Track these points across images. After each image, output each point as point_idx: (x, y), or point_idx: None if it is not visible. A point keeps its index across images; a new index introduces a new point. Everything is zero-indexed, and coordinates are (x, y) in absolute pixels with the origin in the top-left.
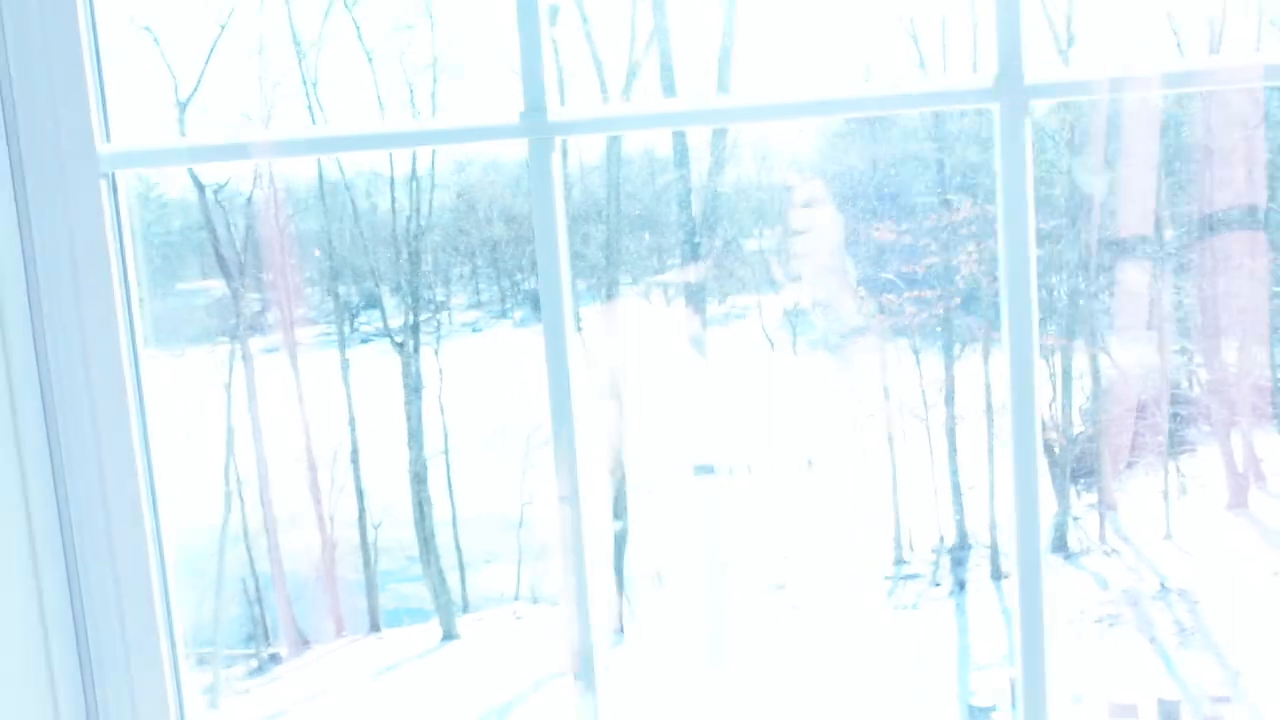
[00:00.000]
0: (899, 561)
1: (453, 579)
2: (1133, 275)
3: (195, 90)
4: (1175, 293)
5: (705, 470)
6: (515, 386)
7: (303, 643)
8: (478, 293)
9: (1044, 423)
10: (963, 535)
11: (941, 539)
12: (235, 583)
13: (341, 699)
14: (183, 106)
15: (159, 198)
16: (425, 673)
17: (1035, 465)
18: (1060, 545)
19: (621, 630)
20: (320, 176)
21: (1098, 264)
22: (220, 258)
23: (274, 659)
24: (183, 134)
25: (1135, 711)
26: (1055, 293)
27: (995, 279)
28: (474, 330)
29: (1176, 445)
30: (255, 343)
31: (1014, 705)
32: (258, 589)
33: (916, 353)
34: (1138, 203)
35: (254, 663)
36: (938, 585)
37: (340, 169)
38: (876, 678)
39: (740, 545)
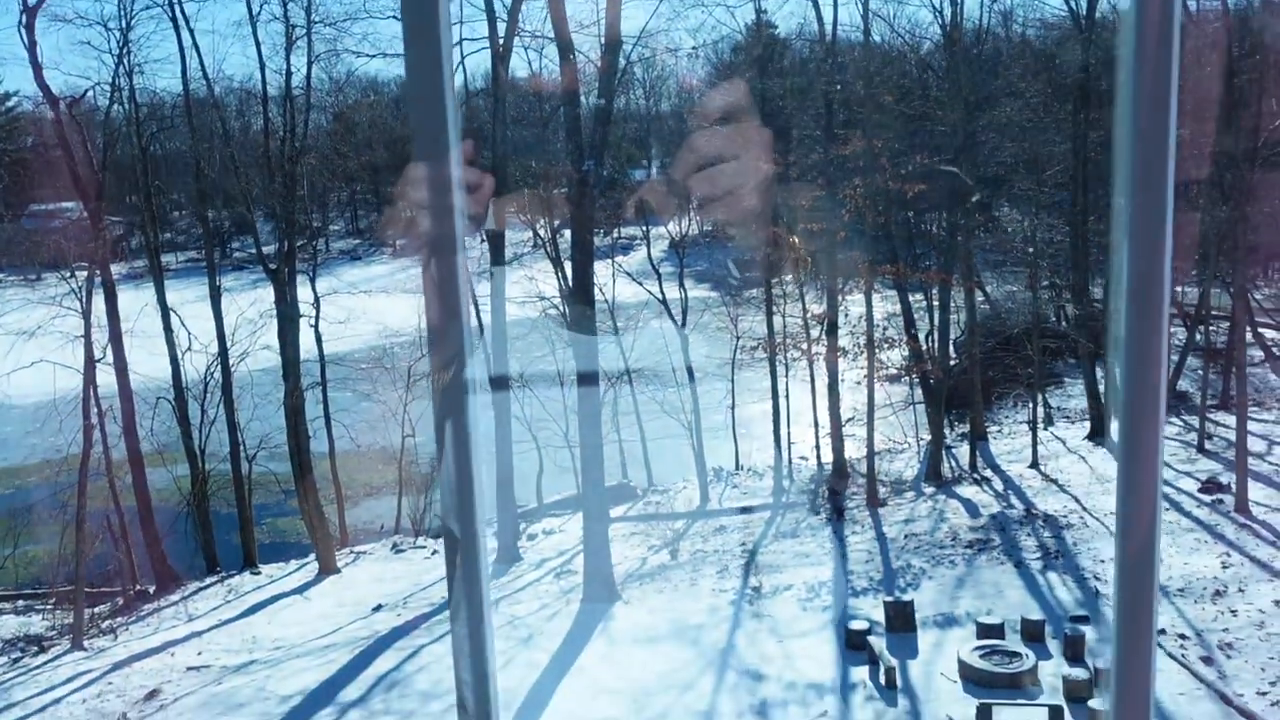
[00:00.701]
0: (778, 491)
1: (330, 512)
2: (1007, 211)
3: None
4: (1048, 230)
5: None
6: (395, 316)
7: (173, 580)
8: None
9: (921, 355)
10: (840, 465)
11: (821, 467)
12: (98, 519)
13: (216, 638)
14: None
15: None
16: (302, 609)
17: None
18: (933, 475)
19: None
20: (186, 92)
21: (977, 201)
22: (76, 178)
23: (142, 596)
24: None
25: (1001, 631)
26: (935, 228)
27: (879, 214)
28: (352, 260)
29: (1045, 377)
30: (117, 269)
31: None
32: (123, 525)
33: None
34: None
35: (120, 601)
36: (817, 514)
37: (209, 85)
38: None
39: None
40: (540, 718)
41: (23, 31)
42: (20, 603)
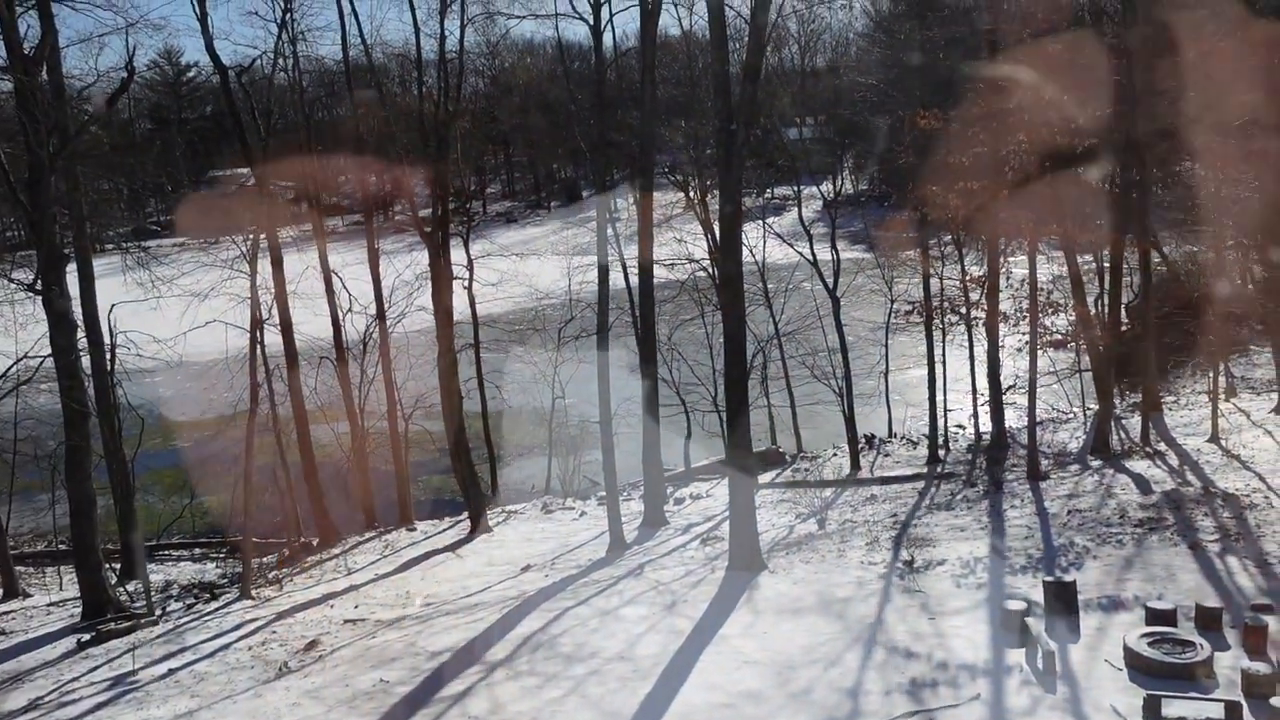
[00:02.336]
0: (933, 460)
1: (484, 471)
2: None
3: None
4: (1234, 186)
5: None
6: (546, 279)
7: (334, 534)
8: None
9: (1089, 320)
10: (999, 434)
11: (979, 436)
12: (266, 473)
13: (372, 592)
14: None
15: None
16: (454, 566)
17: None
18: (1101, 447)
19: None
20: (346, 59)
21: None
22: (245, 145)
23: (305, 549)
24: None
25: (1173, 618)
26: (1108, 185)
27: (1046, 169)
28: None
29: (1229, 345)
30: (286, 233)
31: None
32: (288, 480)
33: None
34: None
35: (285, 552)
36: (973, 486)
37: (368, 51)
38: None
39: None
40: (682, 688)
41: (194, 4)
42: (196, 551)
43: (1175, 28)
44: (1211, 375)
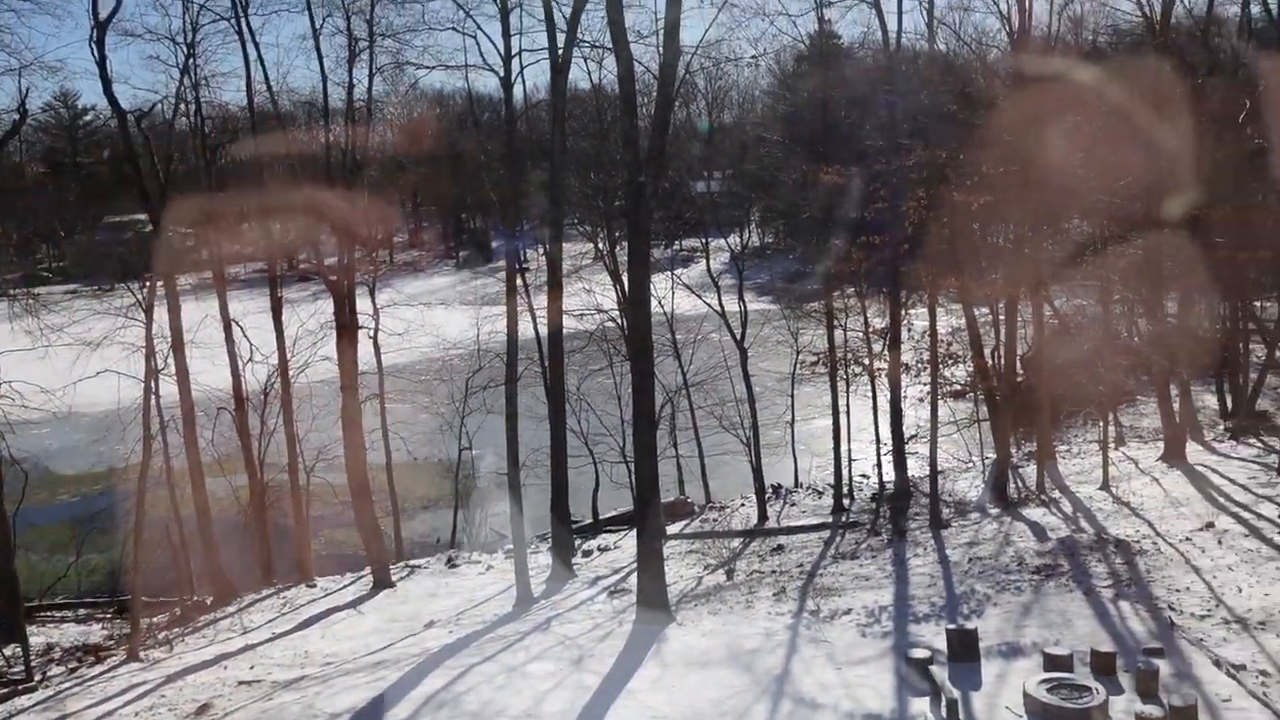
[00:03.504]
0: (838, 510)
1: (387, 524)
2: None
3: None
4: (1120, 242)
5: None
6: (454, 329)
7: (230, 591)
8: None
9: (986, 371)
10: (902, 484)
11: (882, 486)
12: (158, 529)
13: (269, 651)
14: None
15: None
16: (355, 623)
17: None
18: (999, 495)
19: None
20: (251, 105)
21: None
22: (143, 191)
23: (199, 608)
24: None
25: (1070, 664)
26: (1002, 240)
27: (944, 226)
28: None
29: (1117, 396)
30: (186, 280)
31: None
32: (181, 536)
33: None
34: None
35: (177, 611)
36: (877, 534)
37: (273, 98)
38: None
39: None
40: None
41: (93, 46)
42: (81, 611)
43: (1063, 93)
44: (1101, 425)
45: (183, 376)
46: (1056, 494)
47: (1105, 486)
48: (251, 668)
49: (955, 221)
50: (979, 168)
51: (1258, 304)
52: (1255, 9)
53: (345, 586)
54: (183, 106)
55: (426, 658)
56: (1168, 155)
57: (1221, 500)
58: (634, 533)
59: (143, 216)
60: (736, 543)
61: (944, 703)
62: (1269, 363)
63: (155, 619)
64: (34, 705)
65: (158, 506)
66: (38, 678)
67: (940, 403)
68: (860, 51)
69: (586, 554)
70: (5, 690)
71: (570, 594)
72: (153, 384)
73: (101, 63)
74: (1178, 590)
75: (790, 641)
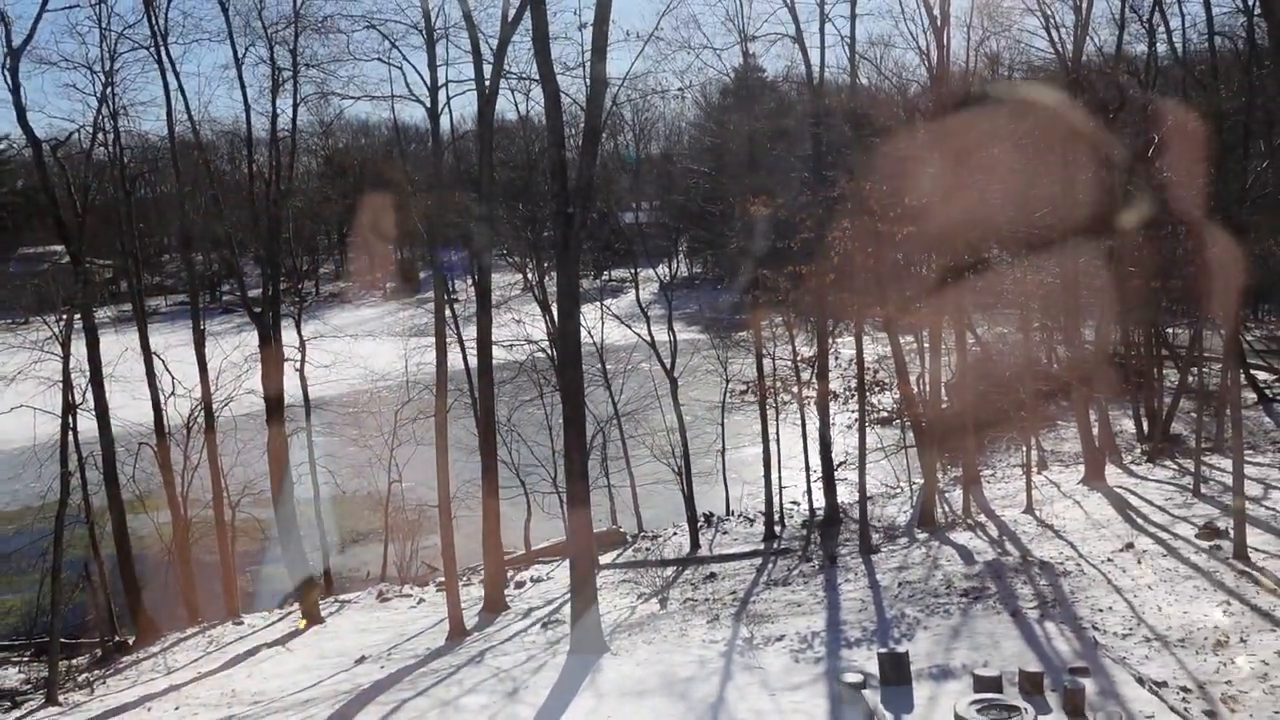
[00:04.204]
0: (769, 537)
1: (316, 559)
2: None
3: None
4: (1037, 272)
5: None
6: (382, 360)
7: (153, 630)
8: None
9: (912, 398)
10: (832, 510)
11: (813, 512)
12: (77, 568)
13: (195, 691)
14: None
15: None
16: (284, 661)
17: None
18: (927, 520)
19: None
20: (171, 135)
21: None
22: (59, 222)
23: (121, 649)
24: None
25: (999, 684)
26: (925, 269)
27: (868, 256)
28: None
29: (1038, 421)
30: (104, 313)
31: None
32: (102, 575)
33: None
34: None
35: (98, 652)
36: (809, 561)
37: (195, 128)
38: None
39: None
40: None
41: (6, 75)
42: None
43: (980, 126)
44: (1024, 449)
45: (102, 411)
46: (982, 518)
47: (1029, 510)
48: (176, 709)
49: (880, 251)
50: (902, 199)
51: (1170, 330)
52: (1161, 47)
53: (273, 623)
54: (101, 135)
55: (357, 694)
56: (1081, 187)
57: (1140, 521)
58: (566, 563)
59: (59, 248)
60: (669, 571)
61: None
62: (1181, 387)
63: (75, 661)
64: None
65: (76, 545)
66: None
67: (868, 429)
68: (784, 85)
69: (519, 585)
70: None
71: (503, 625)
72: (70, 419)
73: (15, 90)
74: (1101, 610)
75: (725, 669)
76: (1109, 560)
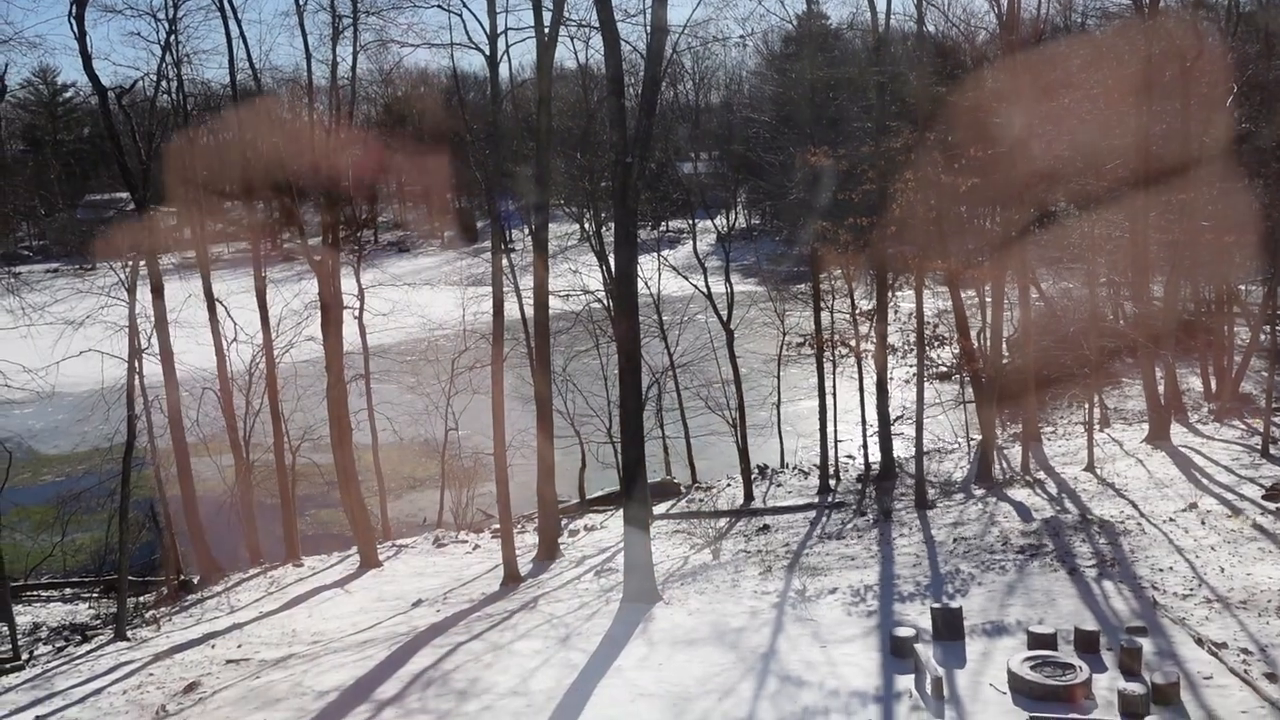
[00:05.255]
0: (824, 490)
1: (374, 505)
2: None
3: None
4: (1107, 226)
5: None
6: (440, 309)
7: (217, 570)
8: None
9: (972, 353)
10: (888, 464)
11: (868, 467)
12: (141, 509)
13: (257, 630)
14: None
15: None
16: (342, 603)
17: None
18: (984, 476)
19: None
20: (234, 82)
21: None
22: (124, 169)
23: (186, 587)
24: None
25: (1054, 642)
26: (989, 223)
27: (931, 208)
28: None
29: (1102, 378)
30: (169, 259)
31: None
32: (167, 516)
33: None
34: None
35: (164, 590)
36: (863, 515)
37: (256, 76)
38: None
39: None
40: None
41: (73, 22)
42: (67, 590)
43: (1051, 75)
44: (1087, 406)
45: (167, 357)
46: (1041, 475)
47: (1090, 468)
48: (239, 646)
49: (943, 204)
50: (967, 150)
51: (1242, 287)
52: None
53: (332, 566)
54: (164, 84)
55: (414, 636)
56: (1155, 138)
57: (1205, 481)
58: (620, 513)
59: (124, 195)
60: (723, 523)
61: (928, 680)
62: (1253, 345)
63: (142, 598)
64: (22, 684)
65: (143, 487)
66: (25, 656)
67: (926, 384)
68: (848, 33)
69: (573, 534)
70: None
71: (557, 573)
72: (136, 364)
73: (81, 38)
74: (1161, 570)
75: (776, 620)
76: (1171, 520)
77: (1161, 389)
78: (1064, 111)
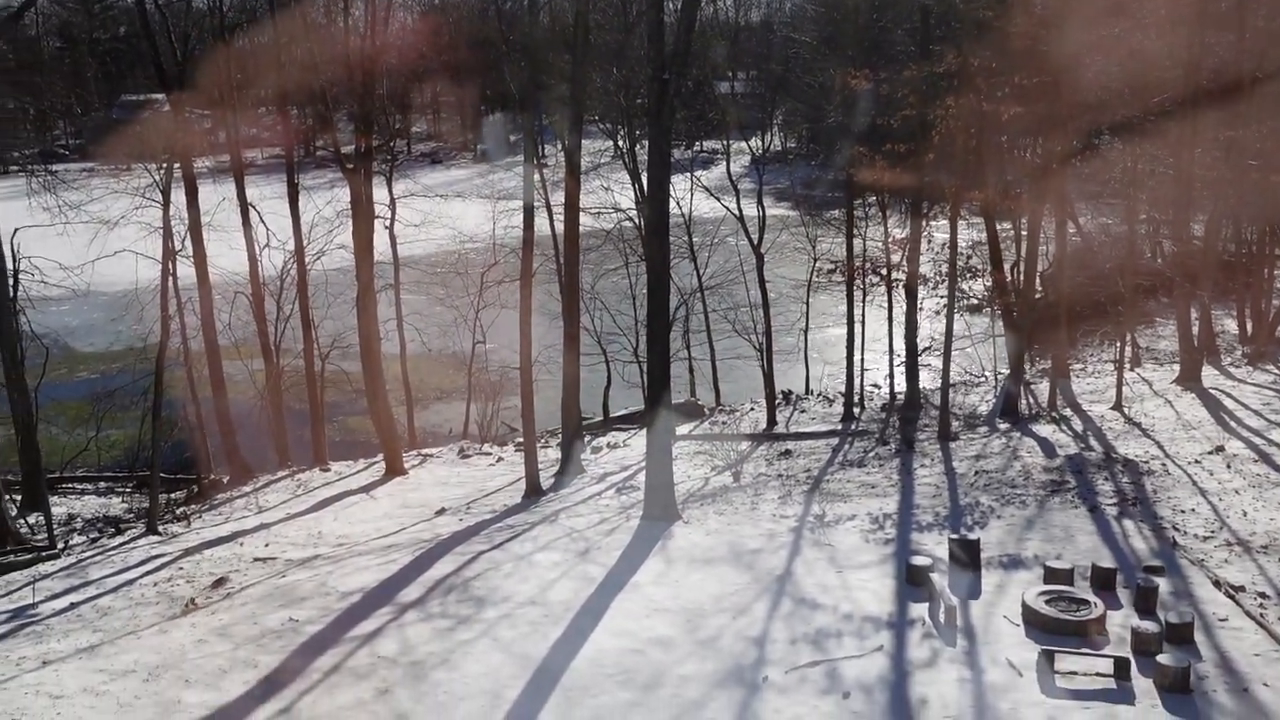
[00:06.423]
0: (847, 418)
1: (400, 414)
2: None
3: None
4: (1150, 161)
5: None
6: (470, 222)
7: (245, 471)
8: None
9: (1005, 286)
10: (913, 395)
11: (893, 396)
12: (176, 408)
13: (283, 531)
14: None
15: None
16: (368, 508)
17: None
18: (1010, 410)
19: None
20: None
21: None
22: (160, 69)
23: (215, 486)
24: None
25: (1070, 577)
26: (1029, 154)
27: (971, 136)
28: (432, 163)
29: (1136, 316)
30: (202, 163)
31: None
32: (199, 416)
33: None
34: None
35: (195, 488)
36: (885, 444)
37: None
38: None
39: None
40: (593, 632)
41: None
42: (101, 484)
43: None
44: (1118, 345)
45: (200, 259)
46: (1068, 412)
47: (1118, 406)
48: (266, 545)
49: (983, 132)
50: (1011, 77)
51: None
52: None
53: (358, 472)
54: None
55: (436, 543)
56: (1208, 72)
57: (1233, 425)
58: (643, 432)
59: (160, 95)
60: (744, 446)
61: (942, 609)
62: None
63: (173, 495)
64: (58, 571)
65: (175, 387)
66: (60, 545)
67: (956, 316)
68: None
69: (595, 450)
70: (30, 555)
71: (578, 489)
72: (170, 265)
73: None
74: (1183, 511)
75: (793, 544)
76: (1196, 462)
77: (1196, 330)
78: (1111, 41)
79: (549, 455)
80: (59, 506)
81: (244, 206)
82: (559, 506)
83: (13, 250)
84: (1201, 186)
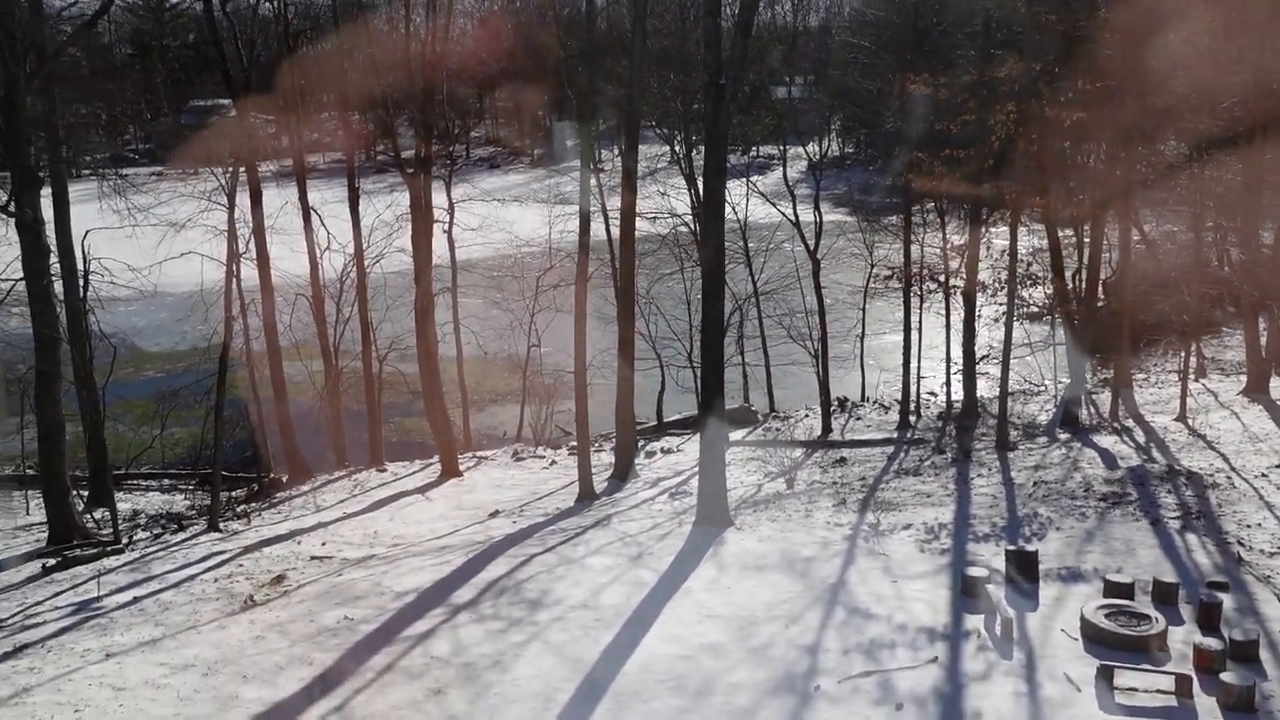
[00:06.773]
0: (903, 426)
1: (456, 416)
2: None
3: None
4: (1218, 168)
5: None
6: (527, 226)
7: (304, 471)
8: (495, 128)
9: (1066, 294)
10: (970, 403)
11: (950, 405)
12: (235, 408)
13: (340, 530)
14: None
15: (172, 7)
16: (423, 509)
17: None
18: (1070, 421)
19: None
20: None
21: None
22: (226, 76)
23: (275, 485)
24: None
25: (1131, 591)
26: (1093, 160)
27: (1032, 142)
28: (490, 167)
29: (1202, 326)
30: (266, 167)
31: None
32: (259, 415)
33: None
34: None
35: (255, 487)
36: (942, 453)
37: None
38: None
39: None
40: (644, 638)
41: None
42: (165, 481)
43: (1169, 7)
44: (1183, 355)
45: (263, 262)
46: (1130, 423)
47: (1182, 418)
48: (323, 544)
49: (1045, 138)
50: (1074, 82)
51: None
52: None
53: (414, 473)
54: None
55: (490, 545)
56: (1277, 76)
57: None
58: (697, 437)
59: (227, 101)
60: (799, 453)
61: (998, 621)
62: None
63: (234, 493)
64: (122, 565)
65: (238, 387)
66: (125, 540)
67: (1016, 324)
68: None
69: (649, 455)
70: (95, 550)
71: (631, 493)
72: (234, 267)
73: None
74: (1248, 526)
75: (847, 552)
76: (1263, 476)
77: (1264, 341)
78: (1178, 45)
79: (602, 459)
80: (124, 502)
81: (306, 210)
82: (612, 511)
83: (84, 252)
84: (1271, 194)
